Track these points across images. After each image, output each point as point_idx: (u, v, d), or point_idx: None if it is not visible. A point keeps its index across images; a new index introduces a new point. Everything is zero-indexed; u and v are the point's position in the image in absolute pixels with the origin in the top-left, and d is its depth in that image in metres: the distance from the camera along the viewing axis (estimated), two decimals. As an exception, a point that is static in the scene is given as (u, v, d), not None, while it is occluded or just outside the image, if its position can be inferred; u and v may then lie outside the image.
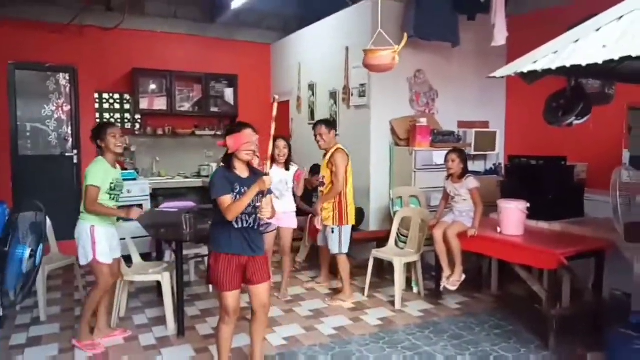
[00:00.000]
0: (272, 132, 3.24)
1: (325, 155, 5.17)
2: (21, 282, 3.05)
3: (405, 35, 2.30)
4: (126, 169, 7.16)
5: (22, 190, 6.80)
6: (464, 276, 4.84)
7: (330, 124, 5.25)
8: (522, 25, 6.39)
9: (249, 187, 3.15)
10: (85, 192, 3.89)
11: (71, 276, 5.50)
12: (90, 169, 3.92)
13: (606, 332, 3.64)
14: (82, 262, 4.03)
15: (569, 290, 4.67)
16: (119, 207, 4.16)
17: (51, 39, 6.98)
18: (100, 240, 3.94)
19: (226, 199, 3.12)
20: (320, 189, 5.23)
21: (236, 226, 3.21)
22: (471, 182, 4.82)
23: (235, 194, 3.15)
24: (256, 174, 3.29)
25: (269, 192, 3.21)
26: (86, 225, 3.93)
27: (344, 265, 5.18)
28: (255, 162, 3.59)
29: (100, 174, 3.89)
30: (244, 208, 3.11)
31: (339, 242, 5.13)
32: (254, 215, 3.24)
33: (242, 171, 3.27)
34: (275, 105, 3.28)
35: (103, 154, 4.02)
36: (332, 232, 5.14)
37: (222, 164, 3.34)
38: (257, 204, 3.18)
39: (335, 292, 5.46)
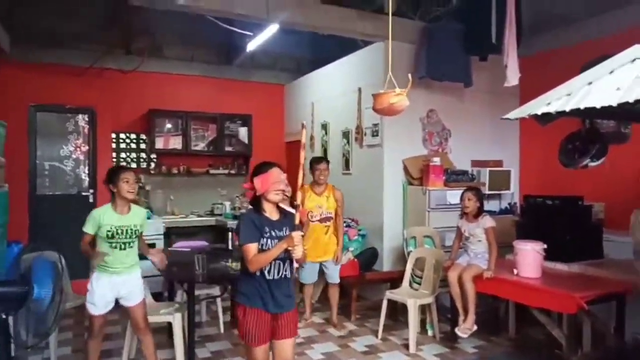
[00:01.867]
0: (302, 160, 3.05)
1: (319, 190, 5.44)
2: (38, 325, 3.02)
3: (410, 77, 2.29)
4: (140, 208, 7.20)
5: (38, 229, 6.84)
6: (475, 327, 4.70)
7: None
8: (533, 64, 6.44)
9: (281, 229, 3.03)
10: None
11: (83, 316, 5.45)
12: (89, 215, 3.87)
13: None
14: None
15: (589, 335, 4.55)
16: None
17: (71, 82, 7.12)
18: (92, 290, 3.83)
19: (252, 248, 2.94)
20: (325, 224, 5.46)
21: (268, 277, 3.01)
22: (488, 221, 4.79)
23: (266, 238, 2.97)
24: (287, 216, 3.12)
25: (299, 227, 2.99)
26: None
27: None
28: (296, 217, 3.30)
29: (92, 220, 3.79)
30: (268, 262, 2.93)
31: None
32: (287, 262, 3.05)
33: (272, 213, 3.08)
34: (304, 132, 3.11)
35: (114, 199, 3.89)
36: (335, 264, 5.51)
37: (250, 206, 3.16)
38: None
39: (327, 322, 5.76)
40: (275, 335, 3.07)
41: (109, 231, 3.78)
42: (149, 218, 6.87)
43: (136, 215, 3.97)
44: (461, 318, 4.76)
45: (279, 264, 3.01)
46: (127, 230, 3.85)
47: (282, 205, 3.14)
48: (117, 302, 3.96)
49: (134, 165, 7.92)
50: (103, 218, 3.79)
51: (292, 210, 3.09)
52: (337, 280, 5.56)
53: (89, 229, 3.79)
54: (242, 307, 3.05)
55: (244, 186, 3.24)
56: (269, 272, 2.99)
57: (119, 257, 3.87)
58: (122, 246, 3.86)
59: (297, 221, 2.98)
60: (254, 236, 2.96)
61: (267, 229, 2.99)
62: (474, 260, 4.78)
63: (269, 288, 3.00)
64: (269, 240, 2.97)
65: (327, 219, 5.44)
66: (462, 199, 4.93)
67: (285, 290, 3.07)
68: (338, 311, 5.74)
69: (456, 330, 4.74)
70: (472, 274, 4.66)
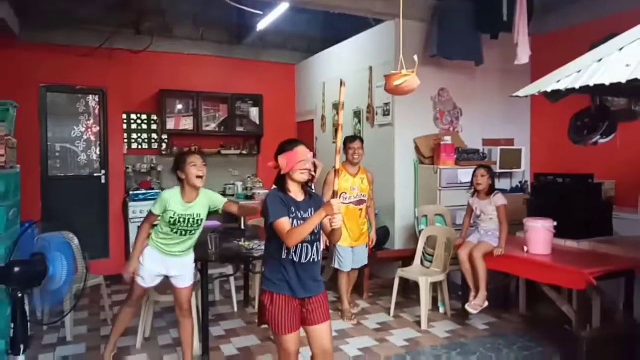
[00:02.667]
0: (341, 121, 2.76)
1: (353, 171, 5.19)
2: (54, 304, 3.08)
3: (416, 58, 2.25)
4: (152, 189, 7.28)
5: (51, 211, 6.91)
6: (487, 303, 4.72)
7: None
8: (545, 43, 6.40)
9: (306, 211, 2.85)
10: None
11: (98, 296, 5.55)
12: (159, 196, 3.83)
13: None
14: None
15: (599, 311, 4.56)
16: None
17: (82, 62, 7.13)
18: (143, 264, 3.85)
19: (285, 222, 2.73)
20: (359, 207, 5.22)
21: (295, 259, 2.84)
22: (500, 198, 4.80)
23: (291, 219, 2.78)
24: (312, 197, 2.97)
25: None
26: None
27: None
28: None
29: (160, 202, 3.73)
30: (307, 234, 2.71)
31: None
32: (315, 245, 2.89)
33: (296, 194, 2.91)
34: (343, 90, 2.78)
35: (183, 186, 3.78)
36: (367, 248, 5.40)
37: (274, 186, 2.97)
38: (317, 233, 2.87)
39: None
40: (306, 321, 2.91)
41: (171, 217, 3.73)
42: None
43: (203, 202, 3.86)
44: (472, 294, 4.79)
45: (307, 247, 2.85)
46: (189, 219, 3.78)
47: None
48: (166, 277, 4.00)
49: (145, 147, 8.00)
50: (170, 203, 3.71)
51: None
52: (364, 263, 5.43)
53: (156, 209, 3.74)
54: (268, 294, 2.89)
55: (269, 165, 3.04)
56: (295, 254, 2.83)
57: (177, 242, 3.86)
58: (183, 233, 3.83)
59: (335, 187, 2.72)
60: (283, 211, 2.77)
61: (292, 209, 2.82)
62: (484, 238, 4.80)
63: (296, 273, 2.85)
64: (294, 221, 2.79)
65: (362, 201, 5.20)
66: (474, 175, 4.93)
67: (313, 274, 2.92)
68: (353, 290, 5.67)
69: (466, 306, 4.76)
70: (483, 251, 4.68)
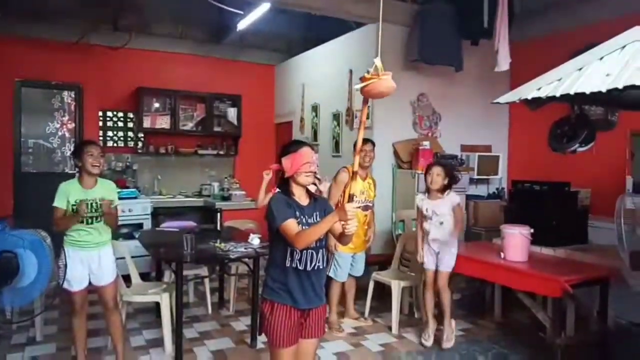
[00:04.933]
0: (363, 117, 2.58)
1: (363, 174, 4.97)
2: (23, 303, 2.99)
3: (377, 62, 2.18)
4: (127, 187, 7.17)
5: (23, 207, 6.77)
6: (454, 322, 4.68)
7: None
8: (524, 49, 6.45)
9: (311, 216, 2.72)
10: None
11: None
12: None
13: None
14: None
15: (573, 318, 4.61)
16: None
17: (58, 57, 7.01)
18: (64, 266, 3.62)
19: (292, 224, 2.58)
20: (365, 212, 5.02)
21: (300, 267, 2.68)
22: (455, 197, 4.55)
23: (297, 223, 2.63)
24: (317, 201, 2.83)
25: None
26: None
27: None
28: (313, 189, 2.94)
29: (61, 194, 3.73)
30: (317, 238, 2.58)
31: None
32: (321, 251, 2.73)
33: (301, 197, 2.76)
34: (366, 109, 2.57)
35: (80, 174, 3.84)
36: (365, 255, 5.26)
37: (277, 190, 2.82)
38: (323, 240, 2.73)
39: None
40: (300, 333, 2.77)
41: (73, 205, 3.71)
42: (135, 197, 6.93)
43: (102, 189, 3.87)
44: (430, 328, 4.66)
45: (312, 253, 2.68)
46: (91, 204, 3.74)
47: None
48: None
49: (121, 144, 7.86)
50: (69, 192, 3.73)
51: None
52: (362, 272, 5.22)
53: (60, 202, 3.72)
54: (269, 303, 2.73)
55: (272, 167, 2.93)
56: (300, 262, 2.68)
57: (87, 230, 3.80)
58: (89, 220, 3.78)
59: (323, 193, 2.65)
60: (289, 213, 2.62)
61: (297, 214, 2.67)
62: (442, 262, 4.55)
63: (299, 281, 2.69)
64: (299, 227, 2.61)
65: (368, 207, 5.01)
66: (428, 173, 4.55)
67: (317, 283, 2.77)
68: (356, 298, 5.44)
69: (444, 345, 4.57)
70: (446, 280, 4.54)
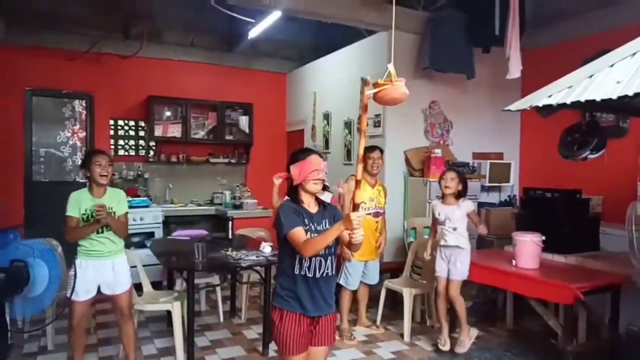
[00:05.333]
0: (364, 126, 2.50)
1: (372, 181, 5.07)
2: (35, 312, 3.00)
3: (391, 68, 2.17)
4: (139, 196, 7.21)
5: (34, 216, 6.82)
6: (476, 331, 4.68)
7: None
8: (537, 58, 6.45)
9: (320, 223, 2.73)
10: None
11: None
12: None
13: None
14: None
15: (585, 326, 4.57)
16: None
17: (69, 66, 7.07)
18: (75, 276, 3.62)
19: (300, 232, 2.59)
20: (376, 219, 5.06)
21: (309, 274, 2.69)
22: (469, 204, 4.60)
23: (305, 231, 2.63)
24: (326, 208, 2.85)
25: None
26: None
27: None
28: (326, 197, 2.97)
29: (72, 203, 3.76)
30: (324, 246, 2.59)
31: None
32: (330, 259, 2.74)
33: (310, 205, 2.78)
34: (366, 90, 2.48)
35: (90, 184, 3.85)
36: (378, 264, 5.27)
37: (286, 198, 2.83)
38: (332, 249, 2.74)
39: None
40: (310, 341, 2.78)
41: (84, 214, 3.74)
42: (146, 206, 6.96)
43: (111, 198, 3.88)
44: (444, 334, 4.65)
45: (321, 260, 2.70)
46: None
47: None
48: (99, 291, 3.88)
49: (132, 153, 7.91)
50: (80, 201, 3.76)
51: (327, 197, 2.76)
52: (376, 281, 5.22)
53: (72, 211, 3.74)
54: (278, 311, 2.74)
55: (280, 175, 2.95)
56: (309, 269, 2.69)
57: (98, 240, 3.80)
58: (100, 230, 3.79)
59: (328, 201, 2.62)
60: (297, 221, 2.64)
61: (306, 222, 2.68)
62: (454, 269, 4.53)
63: (309, 289, 2.70)
64: (308, 234, 2.63)
65: (379, 214, 5.05)
66: (442, 178, 4.59)
67: (326, 290, 2.77)
68: (368, 306, 5.45)
69: (457, 349, 4.56)
70: (459, 288, 4.52)
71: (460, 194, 4.57)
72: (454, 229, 4.52)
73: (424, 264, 5.41)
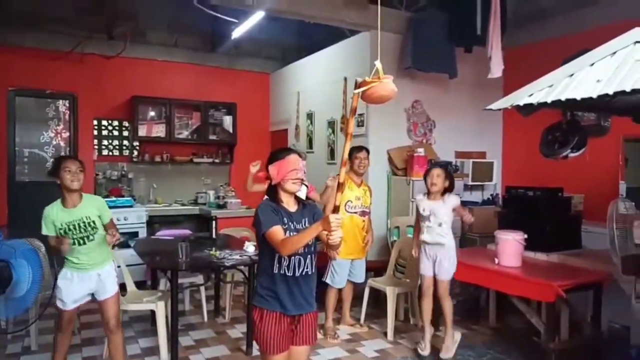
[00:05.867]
0: (350, 129, 2.46)
1: (358, 181, 5.13)
2: (18, 312, 2.97)
3: (378, 64, 2.16)
4: (123, 196, 7.17)
5: (18, 216, 6.75)
6: (459, 335, 4.62)
7: None
8: (517, 56, 6.51)
9: (300, 222, 2.72)
10: None
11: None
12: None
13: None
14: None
15: (567, 323, 4.62)
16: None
17: (52, 66, 7.01)
18: (59, 286, 3.57)
19: (278, 231, 2.58)
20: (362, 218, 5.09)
21: (288, 273, 2.67)
22: (455, 198, 4.48)
23: (284, 230, 2.62)
24: (306, 207, 2.83)
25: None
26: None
27: None
28: (302, 192, 2.94)
29: (46, 221, 3.55)
30: (302, 245, 2.58)
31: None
32: (309, 257, 2.72)
33: (289, 204, 2.76)
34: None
35: (62, 194, 3.59)
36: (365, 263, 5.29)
37: (266, 197, 2.81)
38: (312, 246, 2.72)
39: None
40: (292, 340, 2.77)
41: (60, 229, 3.52)
42: (130, 206, 6.92)
43: (89, 206, 3.65)
44: (427, 335, 4.58)
45: (300, 259, 2.68)
46: (79, 224, 3.56)
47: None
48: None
49: (116, 153, 7.85)
50: (54, 216, 3.54)
51: (302, 192, 2.72)
52: (363, 279, 5.25)
53: (47, 230, 3.56)
54: (258, 310, 2.74)
55: (259, 175, 2.93)
56: (289, 268, 2.68)
57: (82, 252, 3.60)
58: (81, 241, 3.58)
59: (303, 196, 2.60)
60: (275, 220, 2.62)
61: (285, 220, 2.67)
62: (440, 269, 4.43)
63: (287, 287, 2.69)
64: (287, 233, 2.63)
65: (365, 213, 5.10)
66: (428, 175, 4.47)
67: (306, 289, 2.75)
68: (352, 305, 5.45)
69: (441, 355, 4.48)
70: (446, 288, 4.46)
71: (446, 191, 4.48)
72: (439, 225, 4.40)
73: (407, 262, 5.44)
